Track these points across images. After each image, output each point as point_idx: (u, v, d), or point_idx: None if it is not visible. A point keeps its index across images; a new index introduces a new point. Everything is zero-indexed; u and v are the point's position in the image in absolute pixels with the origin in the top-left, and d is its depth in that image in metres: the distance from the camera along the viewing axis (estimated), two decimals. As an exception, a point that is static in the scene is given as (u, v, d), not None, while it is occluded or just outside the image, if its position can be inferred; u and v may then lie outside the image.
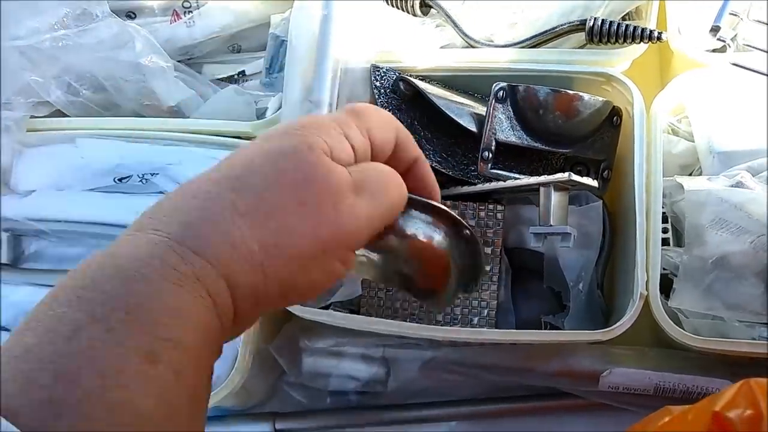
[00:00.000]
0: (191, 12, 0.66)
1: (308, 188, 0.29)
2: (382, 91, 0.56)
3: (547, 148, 0.53)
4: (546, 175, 0.48)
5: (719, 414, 0.37)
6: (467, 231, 0.35)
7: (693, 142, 0.55)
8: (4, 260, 0.60)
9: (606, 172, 0.54)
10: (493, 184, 0.52)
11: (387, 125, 0.34)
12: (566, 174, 0.46)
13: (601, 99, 0.53)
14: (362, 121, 0.33)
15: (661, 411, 0.43)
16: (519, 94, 0.53)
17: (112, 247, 0.27)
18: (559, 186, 0.47)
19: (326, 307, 0.53)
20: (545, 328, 0.53)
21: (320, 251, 0.30)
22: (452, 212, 0.35)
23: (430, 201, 0.35)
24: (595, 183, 0.49)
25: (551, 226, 0.47)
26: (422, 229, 0.35)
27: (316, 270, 0.30)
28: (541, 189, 0.48)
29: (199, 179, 0.30)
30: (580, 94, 0.52)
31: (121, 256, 0.26)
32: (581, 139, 0.54)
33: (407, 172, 0.35)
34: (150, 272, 0.26)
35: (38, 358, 0.23)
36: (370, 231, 0.32)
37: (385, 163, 0.34)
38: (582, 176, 0.56)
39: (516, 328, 0.54)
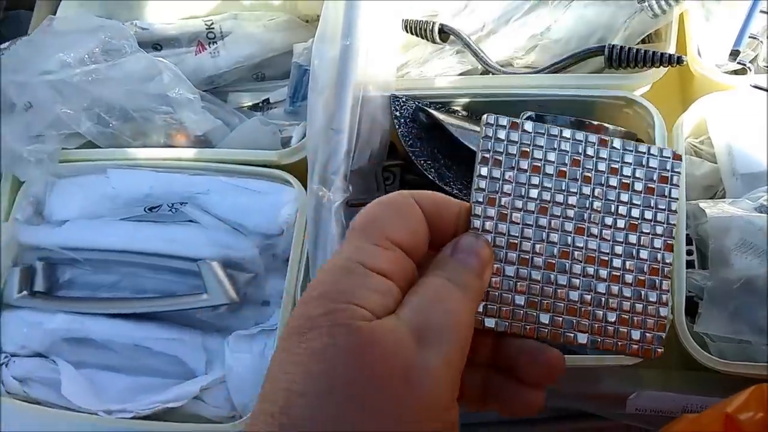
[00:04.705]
0: (215, 43, 0.67)
1: (369, 385, 0.24)
2: (402, 120, 0.57)
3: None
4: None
5: (731, 416, 0.39)
6: None
7: (716, 163, 0.55)
8: (39, 288, 0.62)
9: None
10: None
11: (404, 212, 0.28)
12: None
13: (623, 130, 0.53)
14: (375, 231, 0.27)
15: (678, 418, 0.44)
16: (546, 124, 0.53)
17: None
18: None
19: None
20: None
21: None
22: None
23: None
24: None
25: None
26: None
27: None
28: None
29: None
30: (605, 124, 0.53)
31: None
32: (604, 170, 0.54)
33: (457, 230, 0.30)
34: None
35: None
36: (454, 383, 0.26)
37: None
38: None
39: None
